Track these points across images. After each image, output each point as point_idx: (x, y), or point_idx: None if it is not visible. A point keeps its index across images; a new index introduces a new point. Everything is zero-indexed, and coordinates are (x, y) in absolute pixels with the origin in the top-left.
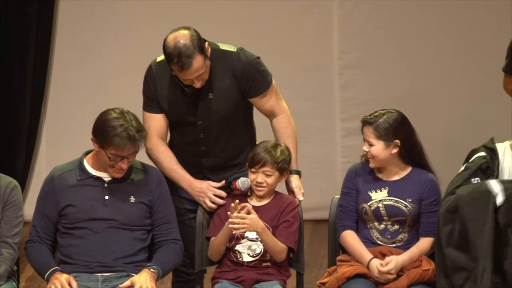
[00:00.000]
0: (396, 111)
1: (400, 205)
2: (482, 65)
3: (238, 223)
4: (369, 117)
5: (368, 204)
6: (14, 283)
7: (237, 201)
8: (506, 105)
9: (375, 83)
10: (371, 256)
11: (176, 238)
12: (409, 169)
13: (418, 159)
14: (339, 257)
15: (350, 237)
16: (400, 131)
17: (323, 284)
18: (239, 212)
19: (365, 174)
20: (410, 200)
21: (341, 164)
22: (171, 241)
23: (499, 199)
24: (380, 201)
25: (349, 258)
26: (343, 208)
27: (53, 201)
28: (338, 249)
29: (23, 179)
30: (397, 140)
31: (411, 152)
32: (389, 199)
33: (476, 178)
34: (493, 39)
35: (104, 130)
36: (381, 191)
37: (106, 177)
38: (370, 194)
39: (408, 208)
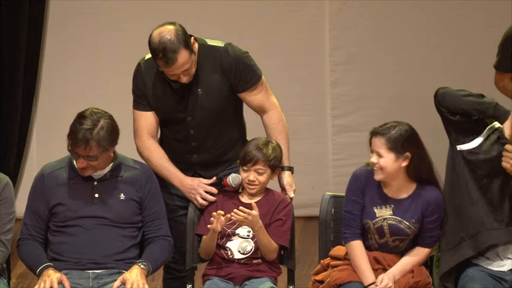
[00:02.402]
0: (406, 124)
1: (403, 226)
2: (473, 62)
3: (241, 216)
4: (380, 128)
5: (373, 221)
6: (5, 280)
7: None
8: (498, 101)
9: (367, 79)
10: (372, 280)
11: (166, 235)
12: (414, 186)
13: (426, 175)
14: (331, 252)
15: (358, 250)
16: (410, 144)
17: (318, 281)
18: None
19: (371, 184)
20: (414, 220)
21: (332, 161)
22: (161, 237)
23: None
24: (384, 219)
25: (341, 255)
26: (351, 215)
27: (43, 199)
28: (329, 246)
29: (15, 176)
30: (408, 153)
31: (419, 168)
32: (393, 218)
33: None
34: (485, 36)
35: (72, 123)
36: (386, 208)
37: (95, 174)
38: (375, 210)
39: (411, 229)
